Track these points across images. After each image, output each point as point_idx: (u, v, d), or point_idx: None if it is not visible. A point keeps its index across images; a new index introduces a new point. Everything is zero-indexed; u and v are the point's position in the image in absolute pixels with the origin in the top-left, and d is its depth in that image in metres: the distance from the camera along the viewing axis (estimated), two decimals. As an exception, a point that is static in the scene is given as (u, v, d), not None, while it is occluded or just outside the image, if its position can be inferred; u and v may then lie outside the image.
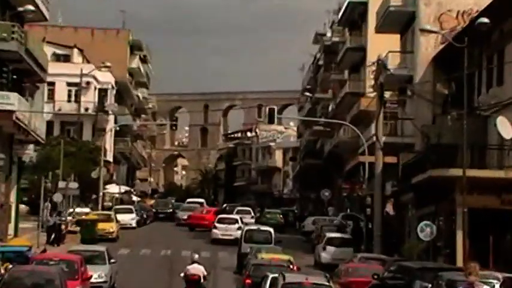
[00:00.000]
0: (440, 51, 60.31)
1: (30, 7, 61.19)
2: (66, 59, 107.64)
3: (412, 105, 67.34)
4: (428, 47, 63.22)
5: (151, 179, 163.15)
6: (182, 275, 43.98)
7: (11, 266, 38.68)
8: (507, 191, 48.30)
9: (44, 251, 52.19)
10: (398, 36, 72.55)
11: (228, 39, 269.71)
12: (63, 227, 70.61)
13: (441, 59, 60.44)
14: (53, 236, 66.77)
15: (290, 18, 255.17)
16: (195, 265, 44.24)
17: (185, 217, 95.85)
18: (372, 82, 74.03)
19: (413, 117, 66.07)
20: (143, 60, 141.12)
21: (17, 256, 43.57)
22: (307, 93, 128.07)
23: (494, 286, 35.91)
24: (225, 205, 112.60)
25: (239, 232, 69.50)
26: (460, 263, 46.11)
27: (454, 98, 56.99)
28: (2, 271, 38.12)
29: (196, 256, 46.82)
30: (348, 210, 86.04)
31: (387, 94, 69.37)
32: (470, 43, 49.93)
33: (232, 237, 72.68)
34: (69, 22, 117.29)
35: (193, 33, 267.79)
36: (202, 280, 44.30)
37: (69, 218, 76.50)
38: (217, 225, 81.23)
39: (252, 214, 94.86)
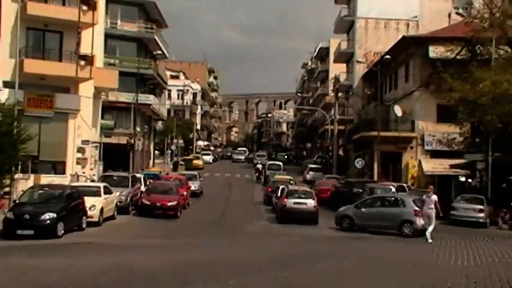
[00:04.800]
0: (366, 72, 60.21)
1: (159, 52, 63.23)
2: (176, 77, 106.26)
3: (352, 99, 68.10)
4: (360, 70, 62.20)
5: (219, 138, 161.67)
6: (254, 166, 63.94)
7: (151, 181, 40.34)
8: (399, 142, 48.44)
9: (167, 173, 55.72)
10: (345, 64, 71.81)
11: (254, 66, 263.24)
12: (178, 162, 74.08)
13: (366, 76, 60.83)
14: (172, 167, 69.98)
15: (291, 54, 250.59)
16: (259, 164, 63.68)
17: (241, 157, 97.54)
18: (331, 88, 74.79)
19: (353, 106, 67.00)
20: (215, 77, 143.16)
21: (154, 176, 46.12)
22: (299, 94, 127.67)
23: (391, 189, 36.03)
24: (257, 152, 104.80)
25: (266, 162, 72.26)
26: (375, 179, 46.99)
27: (373, 96, 57.16)
28: (148, 183, 39.14)
29: (260, 161, 69.52)
30: (320, 153, 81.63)
31: (340, 94, 69.87)
32: (381, 68, 50.62)
33: (260, 164, 70.89)
34: (178, 58, 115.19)
35: (237, 61, 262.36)
36: (261, 168, 61.19)
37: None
38: (256, 157, 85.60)
39: (267, 156, 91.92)
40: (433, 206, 25.30)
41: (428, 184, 32.74)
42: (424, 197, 26.19)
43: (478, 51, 39.87)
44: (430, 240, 24.50)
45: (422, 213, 25.89)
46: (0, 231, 22.82)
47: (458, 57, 41.19)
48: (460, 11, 48.70)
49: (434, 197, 25.66)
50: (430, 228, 25.10)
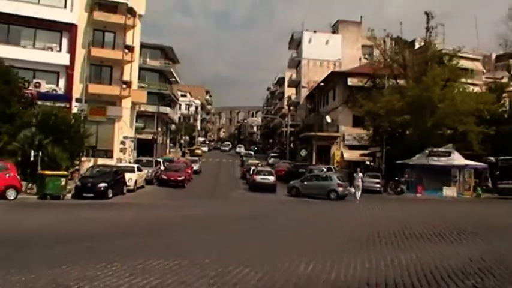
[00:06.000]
0: (308, 93, 58.47)
1: (173, 79, 60.07)
2: (185, 96, 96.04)
3: (299, 111, 65.83)
4: (304, 92, 59.95)
5: (212, 136, 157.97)
6: (239, 155, 57.16)
7: (168, 163, 39.23)
8: (329, 139, 47.11)
9: (178, 158, 51.68)
10: (295, 88, 68.81)
11: (236, 88, 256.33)
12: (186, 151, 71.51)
13: (308, 96, 59.03)
14: (181, 154, 66.39)
15: (260, 81, 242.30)
16: (243, 153, 58.53)
17: (226, 149, 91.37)
18: (286, 103, 73.72)
19: (299, 115, 65.10)
20: (210, 96, 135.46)
21: (169, 160, 44.18)
22: (265, 107, 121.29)
23: (323, 169, 35.33)
24: (238, 145, 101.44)
25: (244, 151, 71.77)
26: (314, 163, 45.59)
27: (312, 109, 57.16)
28: (165, 165, 37.60)
29: (243, 151, 61.96)
30: (278, 146, 78.25)
31: (291, 108, 68.33)
32: (318, 91, 51.42)
33: (242, 152, 69.49)
34: (186, 82, 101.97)
35: (225, 85, 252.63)
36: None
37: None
38: (237, 148, 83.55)
39: (243, 146, 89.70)
40: (360, 180, 27.74)
41: (356, 167, 32.46)
42: (354, 175, 28.54)
43: (377, 82, 40.01)
44: (357, 202, 25.90)
45: (353, 185, 27.84)
46: (73, 194, 22.97)
47: (365, 85, 41.37)
48: (366, 56, 47.75)
49: (361, 175, 28.29)
50: (358, 194, 27.09)
